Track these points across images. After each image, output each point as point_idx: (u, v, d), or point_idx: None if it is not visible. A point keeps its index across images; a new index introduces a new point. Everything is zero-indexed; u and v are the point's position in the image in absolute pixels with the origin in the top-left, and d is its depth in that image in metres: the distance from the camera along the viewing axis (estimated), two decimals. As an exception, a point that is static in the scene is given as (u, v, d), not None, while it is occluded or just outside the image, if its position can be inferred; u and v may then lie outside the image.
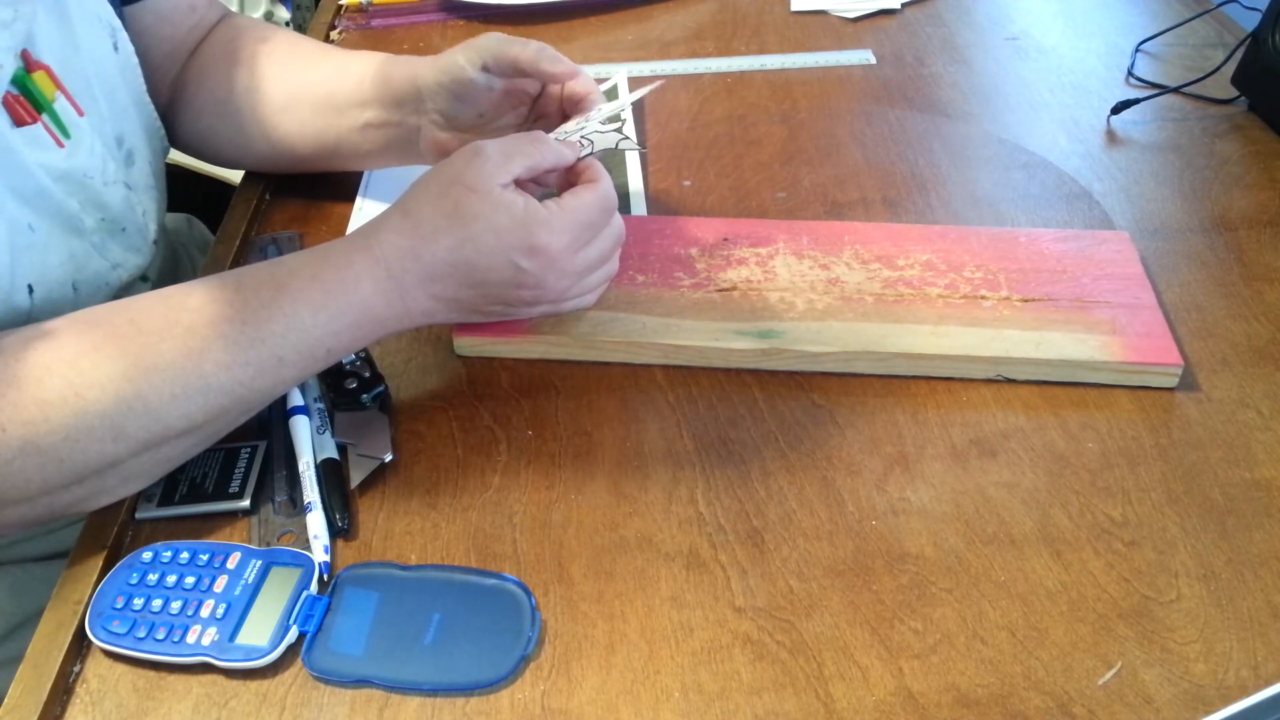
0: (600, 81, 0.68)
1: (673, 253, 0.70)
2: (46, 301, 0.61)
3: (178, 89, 0.77)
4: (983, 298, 0.65)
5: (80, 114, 0.63)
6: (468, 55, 0.66)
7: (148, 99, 0.71)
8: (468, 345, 0.65)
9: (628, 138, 0.63)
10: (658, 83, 0.72)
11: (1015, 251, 0.68)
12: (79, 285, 0.64)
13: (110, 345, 0.52)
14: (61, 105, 0.61)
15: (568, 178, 0.62)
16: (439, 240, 0.56)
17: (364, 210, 0.77)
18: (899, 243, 0.70)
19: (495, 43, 0.65)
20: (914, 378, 0.62)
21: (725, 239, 0.71)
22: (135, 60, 0.69)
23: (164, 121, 0.75)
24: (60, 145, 0.61)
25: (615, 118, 0.65)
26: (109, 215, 0.66)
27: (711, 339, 0.63)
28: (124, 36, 0.68)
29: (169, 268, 0.81)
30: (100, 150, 0.65)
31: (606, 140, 0.63)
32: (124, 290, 0.69)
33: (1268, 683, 0.47)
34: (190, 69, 0.77)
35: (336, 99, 0.72)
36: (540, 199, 0.58)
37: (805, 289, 0.66)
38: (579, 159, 0.61)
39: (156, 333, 0.53)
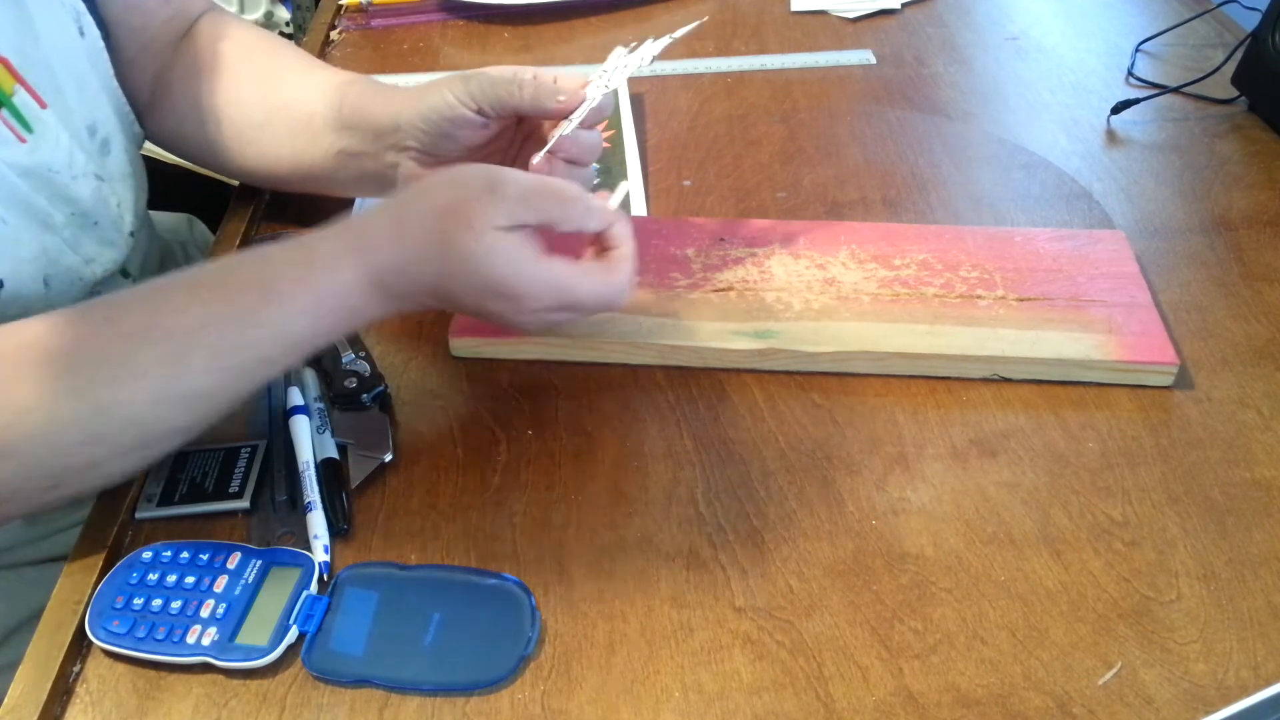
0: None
1: (669, 253, 0.69)
2: (15, 297, 0.59)
3: (159, 90, 0.75)
4: (979, 297, 0.65)
5: (43, 106, 0.61)
6: (458, 93, 0.62)
7: (116, 84, 0.69)
8: (464, 347, 0.65)
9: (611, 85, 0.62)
10: (677, 34, 0.66)
11: (1011, 251, 0.68)
12: (51, 280, 0.63)
13: (87, 348, 0.51)
14: (21, 98, 0.60)
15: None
16: (424, 266, 0.54)
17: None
18: (895, 242, 0.70)
19: (490, 85, 0.61)
20: (914, 377, 0.62)
21: (721, 239, 0.71)
22: (102, 45, 0.67)
23: (145, 119, 0.73)
24: (22, 140, 0.60)
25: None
26: (79, 209, 0.64)
27: (708, 339, 0.63)
28: (89, 21, 0.66)
29: (155, 264, 0.80)
30: (67, 142, 0.63)
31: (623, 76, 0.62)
32: (99, 286, 0.68)
33: (1268, 683, 0.47)
34: (173, 71, 0.74)
35: (314, 122, 0.69)
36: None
37: (801, 289, 0.66)
38: (605, 229, 0.57)
39: (137, 336, 0.51)
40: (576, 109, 0.61)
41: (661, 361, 0.64)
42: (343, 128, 0.68)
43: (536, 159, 0.61)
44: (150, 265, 0.78)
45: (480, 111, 0.62)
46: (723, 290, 0.66)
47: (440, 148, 0.65)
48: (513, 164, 0.66)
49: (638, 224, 0.73)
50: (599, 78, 0.62)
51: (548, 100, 0.61)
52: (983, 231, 0.70)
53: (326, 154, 0.70)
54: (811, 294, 0.66)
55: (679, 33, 0.65)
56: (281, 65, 0.74)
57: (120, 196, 0.69)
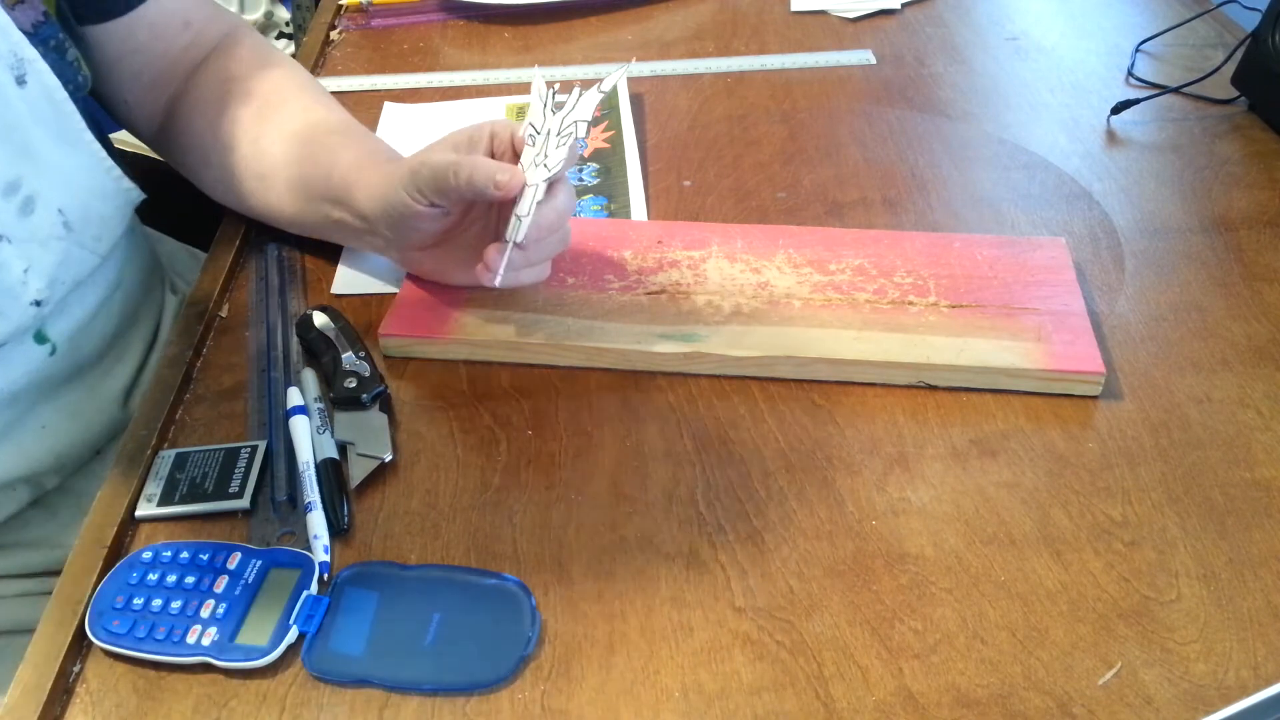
0: (597, 82, 0.66)
1: (605, 255, 0.69)
2: None
3: (170, 118, 0.73)
4: (910, 303, 0.64)
5: None
6: (407, 189, 0.60)
7: (86, 136, 0.64)
8: (394, 345, 0.65)
9: (577, 138, 0.58)
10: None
11: (948, 257, 0.68)
12: None
13: None
14: None
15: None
16: None
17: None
18: (833, 247, 0.69)
19: (431, 177, 0.59)
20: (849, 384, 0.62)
21: (660, 241, 0.70)
22: (61, 94, 0.62)
23: (153, 144, 0.72)
24: None
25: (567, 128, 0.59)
26: None
27: (634, 342, 0.63)
28: (40, 68, 0.60)
29: (106, 332, 0.71)
30: None
31: (562, 154, 0.58)
32: None
33: (1268, 683, 0.47)
34: (184, 102, 0.73)
35: (310, 185, 0.67)
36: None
37: (734, 293, 0.66)
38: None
39: None
40: (520, 195, 0.58)
41: (588, 364, 0.63)
42: (335, 199, 0.66)
43: (493, 283, 0.59)
44: (93, 334, 0.70)
45: (433, 203, 0.60)
46: (655, 293, 0.66)
47: (408, 239, 0.64)
48: (495, 236, 0.63)
49: (578, 225, 0.71)
50: (531, 144, 0.59)
51: (485, 185, 0.57)
52: (922, 237, 0.70)
53: (325, 219, 0.68)
54: (743, 298, 0.65)
55: (609, 82, 0.60)
56: (286, 112, 0.71)
57: (31, 262, 0.61)
